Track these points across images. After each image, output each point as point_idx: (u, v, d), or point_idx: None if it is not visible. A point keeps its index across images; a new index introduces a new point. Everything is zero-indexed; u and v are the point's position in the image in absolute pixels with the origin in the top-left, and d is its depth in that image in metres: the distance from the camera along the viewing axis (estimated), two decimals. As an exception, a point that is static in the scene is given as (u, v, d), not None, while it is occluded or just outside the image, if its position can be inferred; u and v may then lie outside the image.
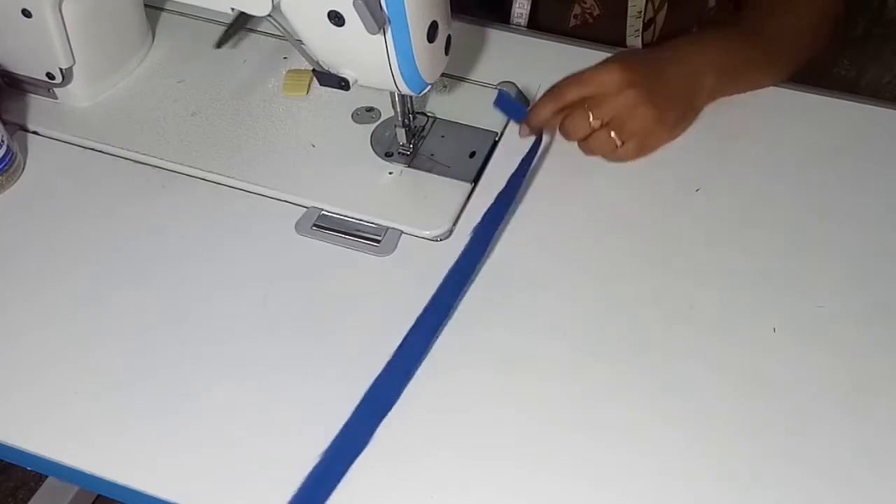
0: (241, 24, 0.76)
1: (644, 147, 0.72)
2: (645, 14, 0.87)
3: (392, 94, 0.69)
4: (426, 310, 0.63)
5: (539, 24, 0.91)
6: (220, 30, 0.84)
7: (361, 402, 0.59)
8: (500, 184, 0.72)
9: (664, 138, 0.72)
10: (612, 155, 0.71)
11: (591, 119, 0.69)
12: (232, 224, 0.71)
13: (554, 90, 0.71)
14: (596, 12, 0.90)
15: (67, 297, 0.67)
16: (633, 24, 0.88)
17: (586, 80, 0.70)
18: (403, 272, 0.67)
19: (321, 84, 0.66)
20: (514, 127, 0.76)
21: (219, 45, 0.76)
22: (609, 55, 0.79)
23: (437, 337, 0.63)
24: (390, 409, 0.59)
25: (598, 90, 0.69)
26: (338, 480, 0.56)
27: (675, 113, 0.72)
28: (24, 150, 0.77)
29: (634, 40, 0.89)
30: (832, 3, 0.79)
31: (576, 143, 0.73)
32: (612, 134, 0.70)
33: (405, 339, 0.62)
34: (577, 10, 0.90)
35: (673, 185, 0.71)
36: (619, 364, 0.61)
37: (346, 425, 0.58)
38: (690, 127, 0.74)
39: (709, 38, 0.75)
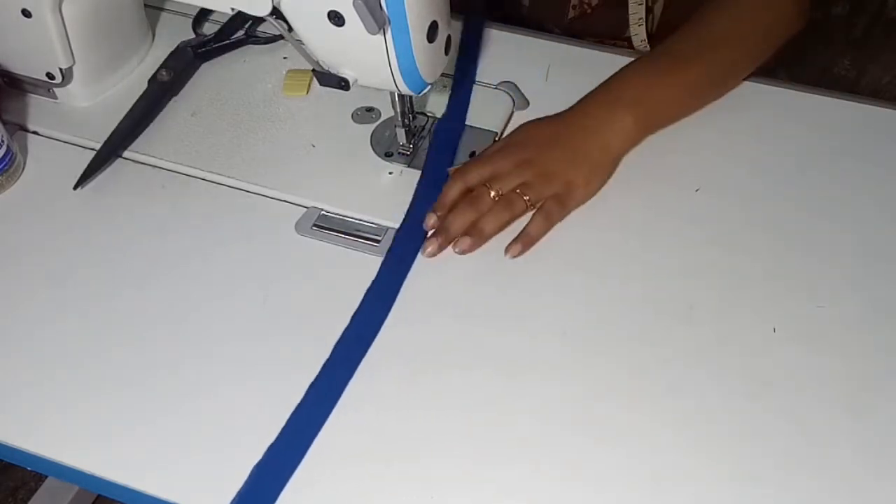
0: (101, 161, 0.73)
1: (562, 205, 0.69)
2: (645, 2, 0.87)
3: (392, 94, 0.69)
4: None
5: (538, 14, 0.91)
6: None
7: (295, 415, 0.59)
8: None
9: (578, 198, 0.70)
10: (525, 215, 0.69)
11: (492, 193, 0.68)
12: (232, 224, 0.71)
13: (455, 172, 0.70)
14: (594, 2, 0.90)
15: (67, 297, 0.67)
16: (636, 12, 0.88)
17: (482, 164, 0.70)
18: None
19: (321, 84, 0.66)
20: (513, 127, 0.76)
21: (77, 185, 0.72)
22: (609, 55, 0.79)
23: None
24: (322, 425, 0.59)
25: (495, 172, 0.69)
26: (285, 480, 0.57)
27: (583, 172, 0.69)
28: (24, 150, 0.77)
29: (638, 28, 0.89)
30: None
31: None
32: (525, 196, 0.68)
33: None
34: (574, 0, 0.90)
35: (673, 185, 0.71)
36: (619, 364, 0.61)
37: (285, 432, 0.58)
38: (691, 126, 0.74)
39: (621, 80, 0.73)
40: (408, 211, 0.70)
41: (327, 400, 0.60)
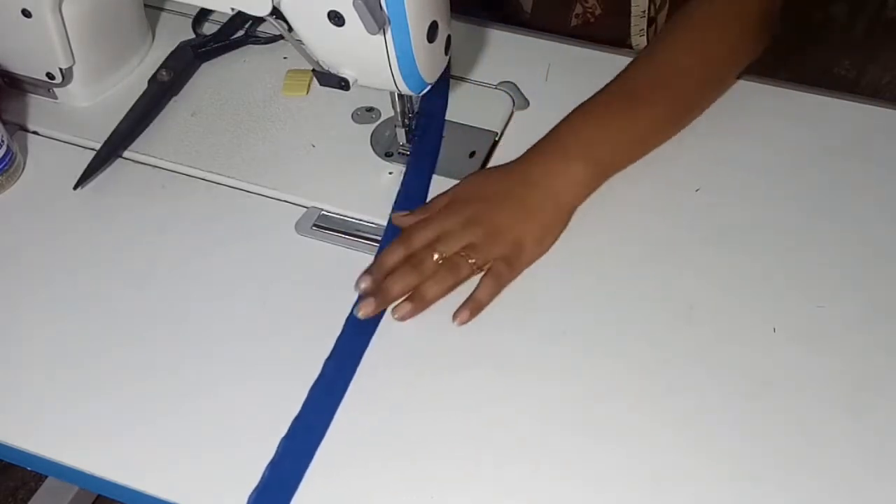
0: (101, 161, 0.73)
1: (511, 266, 0.65)
2: (648, 13, 0.87)
3: (392, 94, 0.69)
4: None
5: (540, 23, 0.91)
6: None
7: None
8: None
9: (528, 258, 0.66)
10: (472, 276, 0.65)
11: (435, 256, 0.64)
12: (232, 224, 0.71)
13: (399, 237, 0.67)
14: (597, 12, 0.90)
15: (67, 297, 0.67)
16: (638, 24, 0.88)
17: (427, 224, 0.66)
18: (403, 272, 0.67)
19: (321, 84, 0.66)
20: (513, 127, 0.76)
21: (77, 185, 0.72)
22: (610, 55, 0.79)
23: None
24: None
25: (441, 232, 0.65)
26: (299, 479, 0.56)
27: (533, 230, 0.66)
28: (24, 150, 0.77)
29: (639, 39, 0.89)
30: (744, 13, 0.74)
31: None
32: (470, 259, 0.64)
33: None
34: (578, 9, 0.90)
35: (673, 185, 0.71)
36: (619, 364, 0.61)
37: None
38: (691, 126, 0.74)
39: (571, 126, 0.70)
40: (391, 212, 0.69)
41: (333, 396, 0.59)
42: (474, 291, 0.64)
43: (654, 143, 0.72)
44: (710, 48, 0.73)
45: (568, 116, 0.70)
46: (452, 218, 0.66)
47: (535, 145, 0.70)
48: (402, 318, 0.63)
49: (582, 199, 0.69)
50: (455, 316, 0.63)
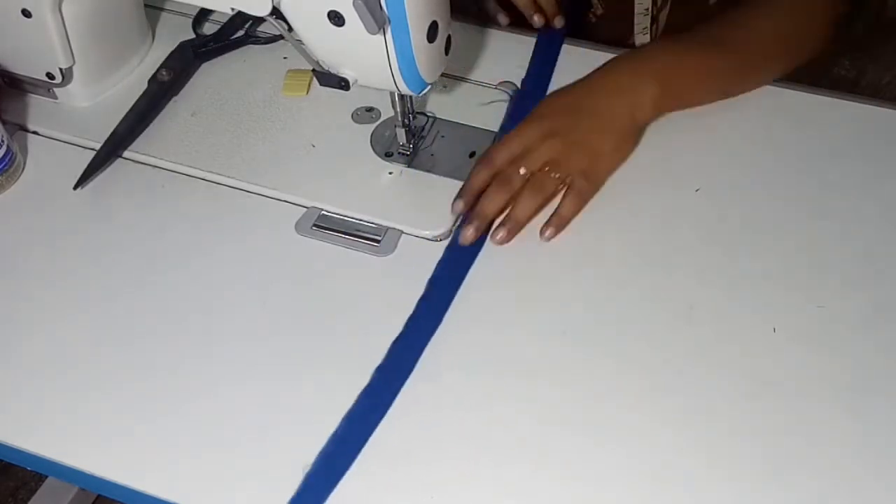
0: (101, 161, 0.73)
1: (591, 180, 0.68)
2: (651, 12, 0.87)
3: (392, 94, 0.69)
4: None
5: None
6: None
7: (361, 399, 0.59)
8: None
9: (606, 167, 0.69)
10: (556, 197, 0.67)
11: (521, 171, 0.66)
12: (232, 224, 0.71)
13: (481, 158, 0.69)
14: (599, 11, 0.90)
15: (67, 297, 0.67)
16: (641, 23, 0.88)
17: (509, 141, 0.68)
18: (403, 272, 0.67)
19: (321, 84, 0.66)
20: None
21: (77, 185, 0.72)
22: (610, 55, 0.79)
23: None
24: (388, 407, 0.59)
25: (523, 147, 0.68)
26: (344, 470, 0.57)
27: (610, 139, 0.69)
28: (24, 150, 0.77)
29: (643, 38, 0.89)
30: (829, 5, 0.78)
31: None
32: (554, 174, 0.67)
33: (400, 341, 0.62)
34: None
35: (673, 185, 0.71)
36: (619, 364, 0.61)
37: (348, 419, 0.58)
38: (690, 126, 0.74)
39: (648, 51, 0.74)
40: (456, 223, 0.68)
41: (380, 404, 0.59)
42: (558, 207, 0.67)
43: (719, 93, 0.74)
44: (796, 24, 0.75)
45: (649, 44, 0.73)
46: (531, 133, 0.68)
47: (611, 61, 0.72)
48: (500, 242, 0.66)
49: (652, 118, 0.71)
50: (541, 233, 0.66)
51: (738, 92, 0.75)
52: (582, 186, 0.67)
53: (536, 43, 0.80)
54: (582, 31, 0.90)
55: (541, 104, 0.72)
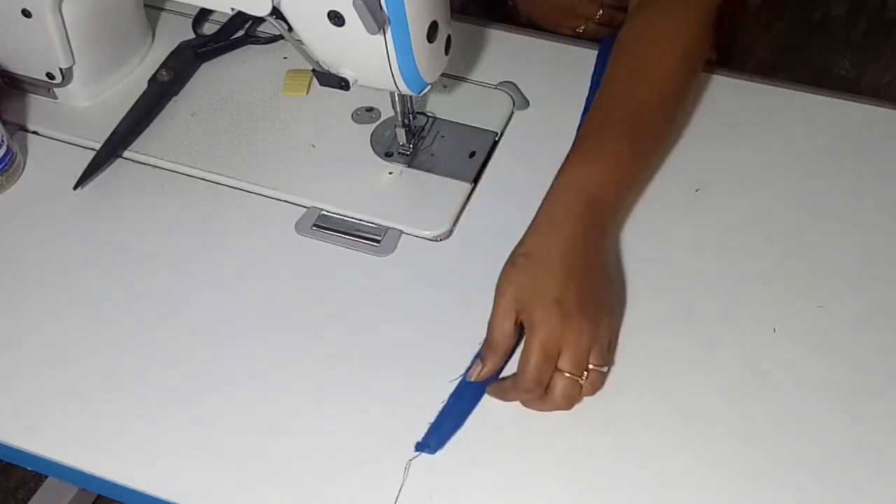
0: (101, 161, 0.73)
1: (606, 357, 0.60)
2: None
3: (392, 94, 0.69)
4: None
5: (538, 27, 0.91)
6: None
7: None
8: (500, 184, 0.72)
9: (612, 330, 0.61)
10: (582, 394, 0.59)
11: (578, 379, 0.58)
12: (232, 224, 0.71)
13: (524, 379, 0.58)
14: (596, 18, 0.90)
15: (67, 297, 0.67)
16: None
17: (547, 347, 0.57)
18: (403, 272, 0.67)
19: (321, 84, 0.66)
20: (513, 127, 0.76)
21: (77, 185, 0.72)
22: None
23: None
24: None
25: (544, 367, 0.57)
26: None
27: (608, 302, 0.61)
28: (24, 150, 0.77)
29: None
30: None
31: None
32: (583, 379, 0.58)
33: None
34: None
35: (673, 185, 0.71)
36: (618, 364, 0.61)
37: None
38: (691, 126, 0.74)
39: (581, 184, 0.63)
40: None
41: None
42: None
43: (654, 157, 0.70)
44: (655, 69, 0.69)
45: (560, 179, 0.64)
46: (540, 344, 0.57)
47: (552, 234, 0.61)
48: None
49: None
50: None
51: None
52: (596, 379, 0.59)
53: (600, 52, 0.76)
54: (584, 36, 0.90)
55: (542, 290, 0.59)
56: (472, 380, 0.60)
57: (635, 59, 0.70)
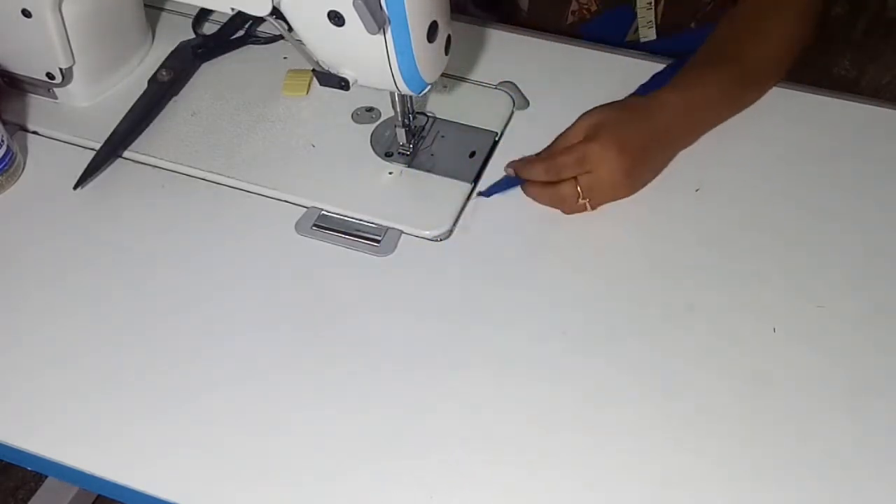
0: (101, 160, 0.73)
1: (597, 204, 0.70)
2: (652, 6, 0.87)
3: (392, 94, 0.69)
4: None
5: (536, 18, 0.91)
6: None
7: None
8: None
9: (620, 197, 0.71)
10: (572, 209, 0.70)
11: (579, 194, 0.69)
12: (232, 224, 0.71)
13: (551, 162, 0.69)
14: (593, 8, 0.90)
15: (67, 297, 0.67)
16: (645, 16, 0.88)
17: (577, 155, 0.68)
18: (403, 272, 0.67)
19: (321, 84, 0.66)
20: (513, 127, 0.76)
21: (77, 185, 0.72)
22: (609, 55, 0.79)
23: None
24: None
25: (585, 163, 0.68)
26: None
27: (644, 177, 0.71)
28: (24, 150, 0.77)
29: (647, 31, 0.89)
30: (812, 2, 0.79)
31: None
32: (581, 199, 0.69)
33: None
34: (574, 6, 0.90)
35: (673, 185, 0.71)
36: (619, 364, 0.61)
37: None
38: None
39: (690, 90, 0.73)
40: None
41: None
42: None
43: (740, 109, 0.76)
44: (790, 23, 0.77)
45: (678, 80, 0.73)
46: (593, 157, 0.68)
47: (657, 98, 0.72)
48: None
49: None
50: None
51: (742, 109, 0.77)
52: (579, 208, 0.69)
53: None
54: (576, 29, 0.90)
55: (603, 112, 0.71)
56: (511, 169, 0.71)
57: (756, 16, 0.76)
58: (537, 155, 0.71)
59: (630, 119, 0.70)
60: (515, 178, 0.71)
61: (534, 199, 0.70)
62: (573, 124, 0.71)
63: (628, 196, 0.70)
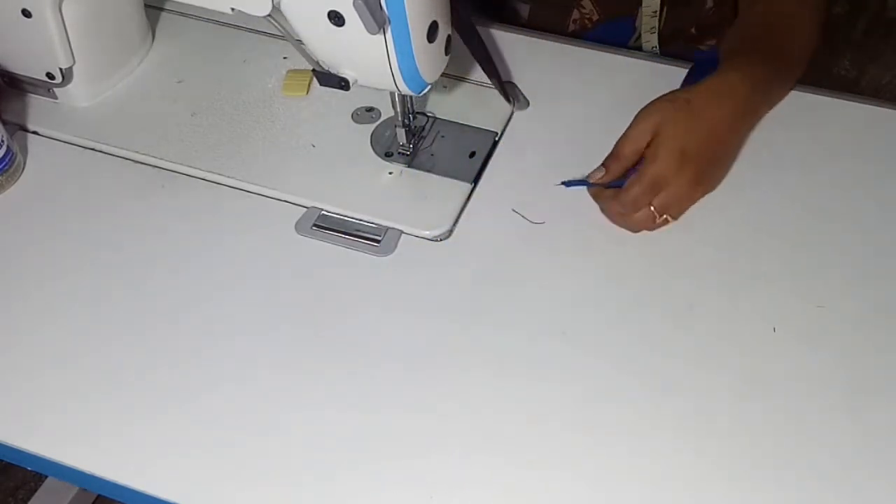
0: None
1: (678, 215, 0.69)
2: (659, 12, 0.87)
3: (392, 94, 0.69)
4: None
5: (536, 28, 0.91)
6: (221, 30, 0.84)
7: None
8: (501, 184, 0.72)
9: (699, 198, 0.70)
10: (655, 228, 0.69)
11: (656, 216, 0.68)
12: (232, 224, 0.71)
13: (625, 199, 0.67)
14: (594, 17, 0.90)
15: (67, 296, 0.67)
16: (648, 22, 0.88)
17: (655, 181, 0.67)
18: (403, 272, 0.67)
19: (321, 84, 0.66)
20: (513, 127, 0.76)
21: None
22: (609, 55, 0.79)
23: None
24: None
25: (658, 179, 0.67)
26: None
27: (716, 175, 0.71)
28: (24, 150, 0.77)
29: (650, 36, 0.89)
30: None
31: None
32: (660, 219, 0.68)
33: None
34: (575, 14, 0.91)
35: (673, 185, 0.71)
36: (619, 364, 0.61)
37: None
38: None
39: (743, 73, 0.71)
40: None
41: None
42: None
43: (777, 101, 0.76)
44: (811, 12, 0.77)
45: (724, 69, 0.71)
46: (670, 168, 0.67)
47: (720, 89, 0.70)
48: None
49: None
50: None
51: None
52: (660, 224, 0.68)
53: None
54: (578, 37, 0.90)
55: (677, 142, 0.67)
56: (590, 181, 0.70)
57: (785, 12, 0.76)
58: (603, 163, 0.69)
59: (686, 119, 0.67)
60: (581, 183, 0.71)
61: (615, 222, 0.69)
62: (634, 123, 0.68)
63: (710, 192, 0.70)
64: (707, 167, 0.69)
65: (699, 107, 0.68)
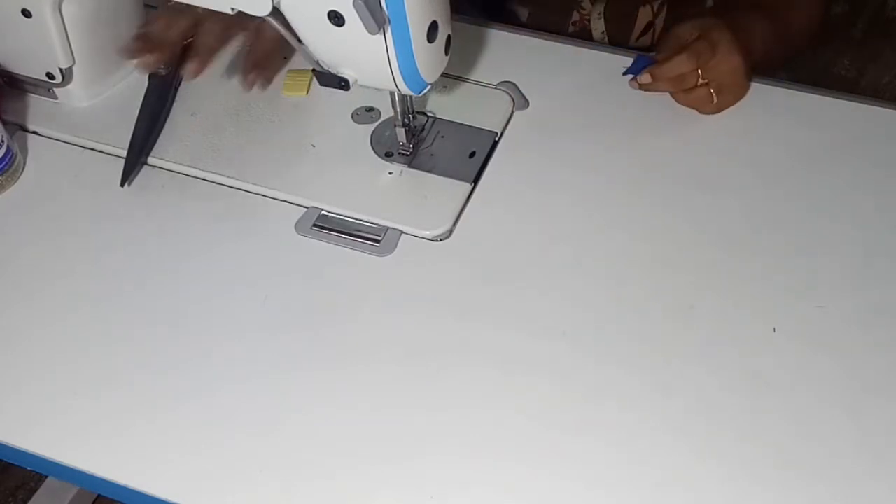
0: (135, 157, 0.74)
1: (734, 99, 0.75)
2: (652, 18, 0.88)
3: (392, 94, 0.69)
4: None
5: (536, 28, 0.91)
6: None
7: None
8: (500, 184, 0.72)
9: (744, 92, 0.76)
10: (707, 108, 0.75)
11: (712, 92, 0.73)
12: (232, 224, 0.71)
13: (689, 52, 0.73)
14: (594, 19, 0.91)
15: (67, 297, 0.67)
16: (640, 26, 0.89)
17: (702, 53, 0.72)
18: (403, 272, 0.67)
19: (321, 84, 0.66)
20: (513, 127, 0.76)
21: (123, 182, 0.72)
22: (609, 55, 0.79)
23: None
24: None
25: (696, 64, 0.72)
26: None
27: (747, 83, 0.76)
28: (24, 150, 0.77)
29: (643, 39, 0.89)
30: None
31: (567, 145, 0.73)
32: (712, 91, 0.74)
33: None
34: (575, 16, 0.91)
35: (673, 184, 0.71)
36: (619, 364, 0.61)
37: None
38: (690, 126, 0.74)
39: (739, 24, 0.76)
40: None
41: None
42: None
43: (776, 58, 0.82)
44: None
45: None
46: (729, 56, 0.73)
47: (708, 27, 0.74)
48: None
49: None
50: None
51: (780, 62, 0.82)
52: (722, 105, 0.74)
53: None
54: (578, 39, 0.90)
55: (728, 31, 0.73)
56: (640, 81, 0.75)
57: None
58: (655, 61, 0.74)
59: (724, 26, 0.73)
60: (649, 59, 0.76)
61: (671, 93, 0.75)
62: (679, 26, 0.75)
63: (741, 97, 0.75)
64: (748, 66, 0.73)
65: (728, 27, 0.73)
